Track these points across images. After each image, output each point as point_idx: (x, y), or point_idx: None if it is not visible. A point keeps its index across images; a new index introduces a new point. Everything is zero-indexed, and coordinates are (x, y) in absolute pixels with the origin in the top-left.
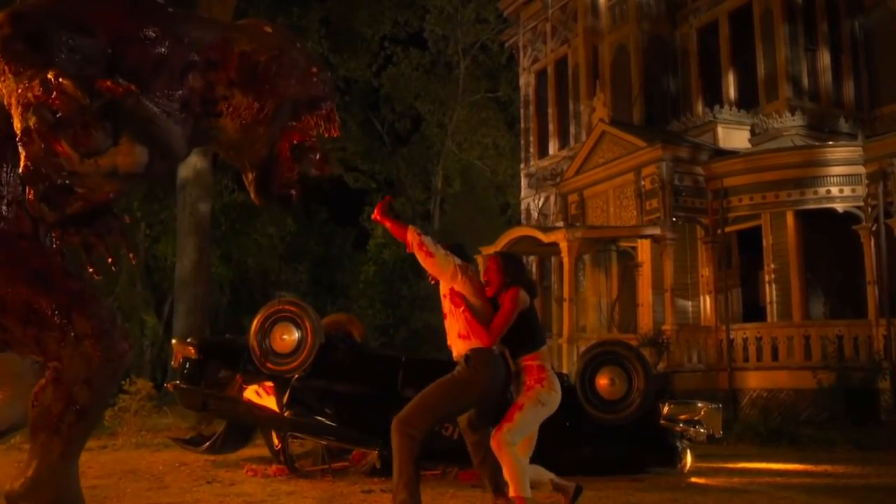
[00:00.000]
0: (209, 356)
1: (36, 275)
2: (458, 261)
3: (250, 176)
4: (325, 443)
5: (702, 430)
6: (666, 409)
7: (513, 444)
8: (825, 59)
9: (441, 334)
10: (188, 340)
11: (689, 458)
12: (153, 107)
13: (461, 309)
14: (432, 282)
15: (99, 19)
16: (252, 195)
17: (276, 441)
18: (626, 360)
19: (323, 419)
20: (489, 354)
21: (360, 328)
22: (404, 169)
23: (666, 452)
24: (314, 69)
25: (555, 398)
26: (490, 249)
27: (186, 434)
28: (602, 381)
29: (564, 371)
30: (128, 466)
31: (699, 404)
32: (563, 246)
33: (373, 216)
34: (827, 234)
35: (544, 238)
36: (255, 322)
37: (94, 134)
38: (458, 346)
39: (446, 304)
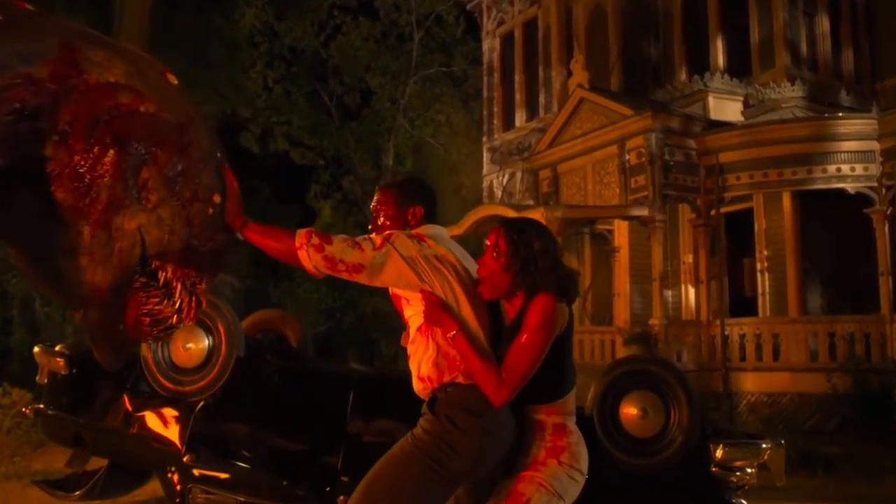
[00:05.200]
0: (85, 371)
1: None
2: (413, 245)
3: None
4: (241, 499)
5: (750, 471)
6: (720, 453)
7: None
8: (824, 25)
9: (391, 320)
10: (56, 349)
11: None
12: None
13: (451, 334)
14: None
15: None
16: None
17: (177, 486)
18: (663, 382)
19: (238, 463)
20: (479, 396)
21: (297, 329)
22: (353, 145)
23: None
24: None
25: (578, 483)
26: (452, 231)
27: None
28: (629, 412)
29: None
30: None
31: (763, 445)
32: None
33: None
34: (828, 217)
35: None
36: None
37: None
38: (420, 390)
39: (409, 315)
